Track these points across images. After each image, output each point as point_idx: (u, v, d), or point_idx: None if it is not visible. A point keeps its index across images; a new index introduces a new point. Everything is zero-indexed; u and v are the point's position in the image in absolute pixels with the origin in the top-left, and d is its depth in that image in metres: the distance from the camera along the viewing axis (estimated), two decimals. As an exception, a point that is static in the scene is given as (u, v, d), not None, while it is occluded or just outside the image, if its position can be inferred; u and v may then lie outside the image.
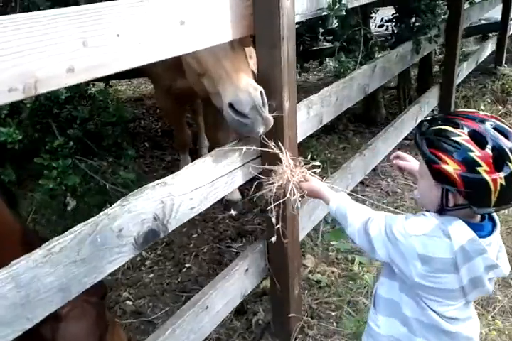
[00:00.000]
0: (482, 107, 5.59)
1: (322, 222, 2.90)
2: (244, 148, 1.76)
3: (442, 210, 1.34)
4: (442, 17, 3.77)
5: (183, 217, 1.60)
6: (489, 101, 5.84)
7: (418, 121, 4.21)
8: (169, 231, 1.54)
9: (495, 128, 1.26)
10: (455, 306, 1.35)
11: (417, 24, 3.57)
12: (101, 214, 1.31)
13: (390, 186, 3.90)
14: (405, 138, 3.97)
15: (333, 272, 2.73)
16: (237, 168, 1.83)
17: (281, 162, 1.70)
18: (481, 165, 1.21)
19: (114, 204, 1.36)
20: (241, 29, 1.68)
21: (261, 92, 1.71)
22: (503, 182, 1.21)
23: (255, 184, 1.80)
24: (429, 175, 1.31)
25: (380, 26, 4.42)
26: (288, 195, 1.61)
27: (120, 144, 2.73)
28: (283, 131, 1.86)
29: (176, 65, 2.23)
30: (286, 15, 1.69)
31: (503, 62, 7.22)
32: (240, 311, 2.49)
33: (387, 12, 4.53)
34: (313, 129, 2.32)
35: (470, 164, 1.22)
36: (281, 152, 1.71)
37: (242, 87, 1.70)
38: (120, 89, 7.00)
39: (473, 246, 1.26)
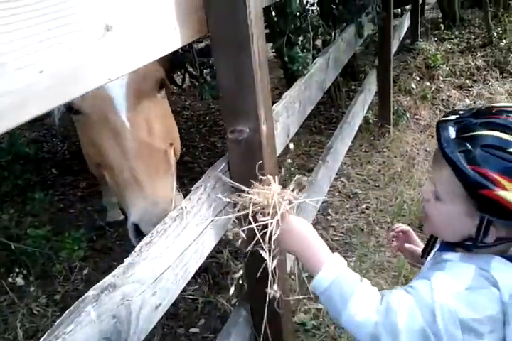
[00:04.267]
0: (413, 86, 5.41)
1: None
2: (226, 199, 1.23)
3: (471, 246, 0.96)
4: (380, -5, 3.40)
5: (147, 324, 1.04)
6: (418, 78, 5.68)
7: (365, 110, 3.86)
8: (131, 354, 0.99)
9: None
10: None
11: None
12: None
13: (347, 187, 3.52)
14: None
15: (318, 309, 2.28)
16: (209, 224, 1.29)
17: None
18: None
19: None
20: (191, 29, 1.12)
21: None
22: None
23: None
24: (462, 200, 0.92)
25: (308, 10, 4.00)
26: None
27: (23, 187, 2.06)
28: (263, 164, 1.34)
29: None
30: (253, 3, 1.15)
31: (419, 36, 7.15)
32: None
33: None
34: (282, 147, 1.82)
35: None
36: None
37: (155, 206, 1.34)
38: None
39: None
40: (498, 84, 5.28)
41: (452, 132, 0.94)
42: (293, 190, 1.16)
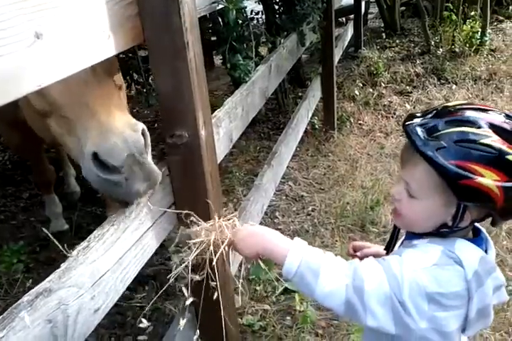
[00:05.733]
0: (356, 92, 5.60)
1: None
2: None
3: (447, 232, 1.06)
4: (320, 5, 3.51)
5: (86, 328, 1.05)
6: (361, 85, 5.87)
7: (310, 116, 3.96)
8: (69, 359, 0.99)
9: (507, 118, 1.02)
10: None
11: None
12: None
13: (294, 190, 3.61)
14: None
15: (265, 310, 2.33)
16: (148, 229, 1.31)
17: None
18: None
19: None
20: (126, 37, 1.14)
21: (143, 131, 1.18)
22: None
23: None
24: (440, 192, 1.02)
25: (251, 19, 4.09)
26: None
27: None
28: (202, 167, 1.38)
29: None
30: (187, 11, 1.19)
31: (362, 45, 7.39)
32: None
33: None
34: (225, 152, 1.86)
35: (510, 170, 0.97)
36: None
37: (113, 127, 1.15)
38: None
39: (484, 267, 1.02)
40: (435, 90, 5.54)
41: (422, 133, 1.02)
42: (224, 217, 1.24)
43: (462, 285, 0.99)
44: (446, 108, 1.07)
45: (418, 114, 1.09)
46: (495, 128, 0.98)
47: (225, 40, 2.48)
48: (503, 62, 6.15)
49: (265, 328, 2.24)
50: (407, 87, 5.76)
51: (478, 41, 6.38)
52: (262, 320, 2.27)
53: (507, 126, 0.99)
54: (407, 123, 1.07)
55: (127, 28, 1.14)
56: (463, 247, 1.02)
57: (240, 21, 2.50)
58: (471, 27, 6.43)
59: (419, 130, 1.02)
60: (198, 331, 1.64)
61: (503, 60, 6.22)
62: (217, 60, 6.44)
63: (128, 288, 2.40)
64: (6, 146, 4.49)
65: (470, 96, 5.40)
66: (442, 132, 1.00)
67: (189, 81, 1.26)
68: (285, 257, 1.06)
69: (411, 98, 5.46)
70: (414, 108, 5.21)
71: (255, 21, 4.13)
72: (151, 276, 2.68)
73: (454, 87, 5.67)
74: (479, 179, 0.95)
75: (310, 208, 3.30)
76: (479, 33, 6.41)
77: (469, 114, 1.01)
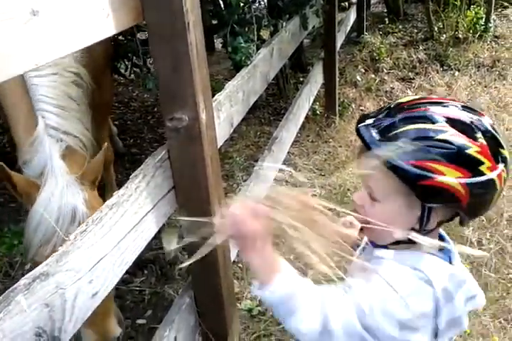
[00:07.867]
0: (358, 78, 5.54)
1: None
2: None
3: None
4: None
5: (84, 312, 1.04)
6: (363, 71, 5.81)
7: (311, 102, 3.93)
8: (66, 342, 0.98)
9: (464, 109, 0.96)
10: None
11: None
12: None
13: (294, 176, 3.58)
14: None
15: (264, 295, 2.32)
16: (147, 213, 1.29)
17: None
18: (483, 163, 0.91)
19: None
20: (126, 16, 1.11)
21: None
22: (505, 175, 0.93)
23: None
24: (402, 194, 0.94)
25: (253, 1, 4.03)
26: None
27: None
28: (203, 152, 1.36)
29: None
30: (188, -9, 1.16)
31: (364, 30, 7.30)
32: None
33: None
34: (225, 136, 1.83)
35: (472, 165, 0.90)
36: None
37: None
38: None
39: (453, 282, 0.96)
40: (438, 77, 5.48)
41: (376, 135, 0.95)
42: None
43: (431, 305, 0.93)
44: (399, 105, 0.99)
45: (371, 114, 1.02)
46: (452, 121, 0.92)
47: (226, 23, 2.44)
48: (506, 49, 6.08)
49: (264, 313, 2.24)
50: (410, 73, 5.70)
51: (482, 27, 6.29)
52: (261, 305, 2.27)
53: (465, 118, 0.93)
54: (360, 125, 0.99)
55: (127, 7, 1.11)
56: (431, 264, 0.96)
57: (242, 4, 2.46)
58: (475, 13, 6.33)
59: (372, 131, 0.95)
60: (197, 315, 1.65)
61: (507, 47, 6.15)
62: (218, 43, 6.37)
63: (127, 272, 2.38)
64: (6, 129, 4.46)
65: (473, 83, 5.34)
66: (396, 131, 0.93)
67: (189, 63, 1.23)
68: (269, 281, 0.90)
69: (413, 84, 5.40)
70: (416, 94, 5.16)
71: (257, 4, 4.06)
72: (150, 260, 2.68)
73: (456, 73, 5.61)
74: (439, 178, 0.88)
75: (310, 194, 3.28)
76: (483, 19, 6.32)
77: (424, 109, 0.95)
